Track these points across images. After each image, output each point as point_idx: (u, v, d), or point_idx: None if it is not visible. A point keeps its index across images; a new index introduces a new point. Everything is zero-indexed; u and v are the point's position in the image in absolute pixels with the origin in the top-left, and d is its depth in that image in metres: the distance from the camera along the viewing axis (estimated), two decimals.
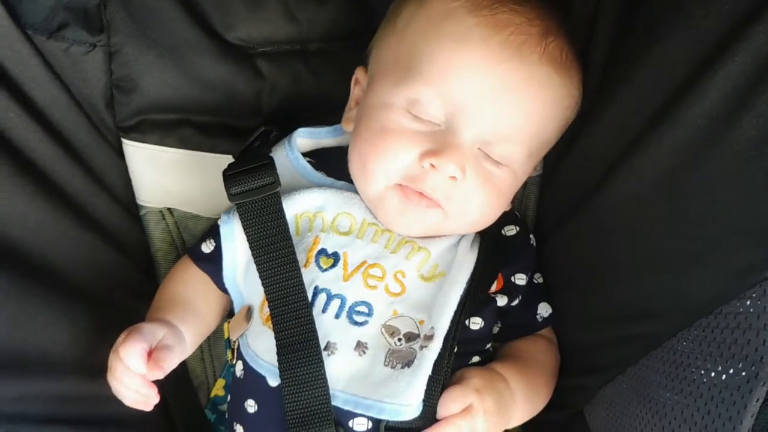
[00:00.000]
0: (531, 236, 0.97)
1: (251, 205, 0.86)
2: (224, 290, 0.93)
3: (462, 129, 0.81)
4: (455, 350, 0.82)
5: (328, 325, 0.83)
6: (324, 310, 0.83)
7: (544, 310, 0.95)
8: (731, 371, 0.64)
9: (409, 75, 0.82)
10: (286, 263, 0.84)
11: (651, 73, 0.73)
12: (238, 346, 0.91)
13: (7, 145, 0.81)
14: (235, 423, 0.90)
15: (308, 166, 0.92)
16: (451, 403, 0.79)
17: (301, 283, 0.83)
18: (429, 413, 0.80)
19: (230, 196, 0.87)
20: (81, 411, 0.87)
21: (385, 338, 0.83)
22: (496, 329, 0.94)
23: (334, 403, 0.80)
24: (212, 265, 0.93)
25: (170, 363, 0.80)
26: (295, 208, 0.88)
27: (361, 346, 0.82)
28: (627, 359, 0.80)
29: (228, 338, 0.92)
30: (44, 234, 0.84)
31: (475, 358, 0.89)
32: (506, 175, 0.84)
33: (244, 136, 0.97)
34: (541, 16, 0.83)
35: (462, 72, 0.80)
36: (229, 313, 0.98)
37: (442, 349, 0.80)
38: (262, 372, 0.85)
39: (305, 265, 0.86)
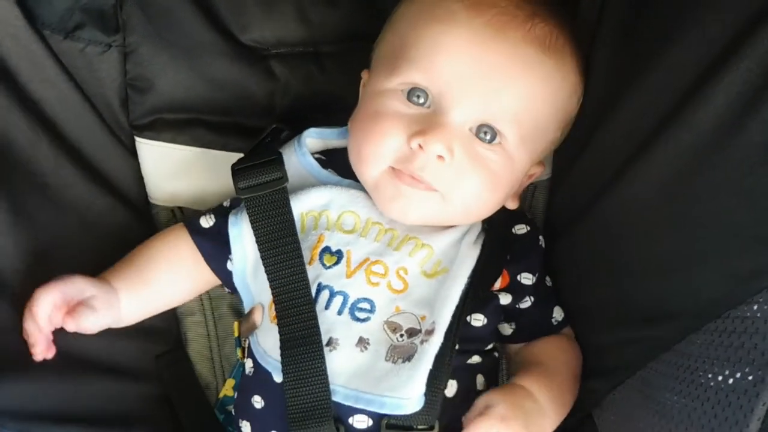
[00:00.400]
0: (540, 237, 0.97)
1: (259, 200, 0.87)
2: (215, 270, 0.93)
3: (449, 109, 0.81)
4: (456, 347, 0.82)
5: (330, 322, 0.83)
6: (327, 307, 0.84)
7: (558, 314, 0.95)
8: (738, 375, 0.64)
9: (399, 62, 0.84)
10: (291, 258, 0.85)
11: (658, 77, 0.73)
12: (249, 344, 0.91)
13: (19, 144, 0.82)
14: (241, 420, 0.91)
15: (316, 163, 0.93)
16: None
17: (305, 279, 0.84)
18: (430, 408, 0.80)
19: (238, 191, 0.87)
20: (88, 410, 0.88)
21: (387, 334, 0.83)
22: (509, 331, 0.94)
23: (334, 398, 0.81)
24: (207, 241, 0.93)
25: (85, 324, 0.82)
26: (301, 206, 0.89)
27: (363, 342, 0.83)
28: (636, 362, 0.80)
29: (238, 337, 0.93)
30: (56, 232, 0.85)
31: (476, 358, 0.89)
32: (500, 158, 0.84)
33: (256, 136, 0.97)
34: (531, 2, 0.84)
35: (446, 53, 0.81)
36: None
37: (443, 344, 0.81)
38: (269, 368, 0.85)
39: (309, 263, 0.86)
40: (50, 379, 0.83)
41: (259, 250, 0.86)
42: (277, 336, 0.84)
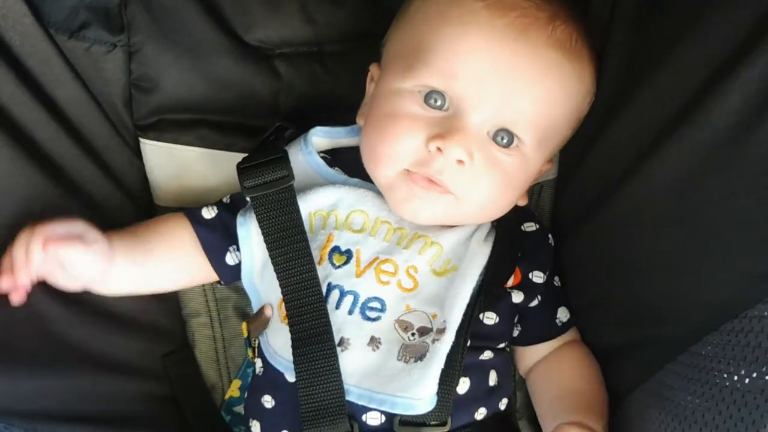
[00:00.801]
0: (549, 235, 0.97)
1: (266, 199, 0.86)
2: (212, 261, 0.91)
3: (468, 113, 0.80)
4: (468, 344, 0.82)
5: (341, 321, 0.83)
6: (337, 307, 0.84)
7: (563, 314, 0.94)
8: (755, 375, 0.63)
9: (416, 61, 0.82)
10: (300, 256, 0.84)
11: (670, 75, 0.72)
12: (259, 344, 0.91)
13: (30, 144, 0.82)
14: (251, 420, 0.90)
15: (322, 162, 0.92)
16: None
17: (315, 277, 0.83)
18: (442, 406, 0.80)
19: (244, 189, 0.86)
20: (95, 409, 0.88)
21: (398, 333, 0.83)
22: (515, 332, 0.93)
23: (348, 398, 0.81)
24: (208, 232, 0.91)
25: (73, 254, 0.79)
26: (309, 206, 0.88)
27: (374, 342, 0.82)
28: (653, 364, 0.79)
29: (247, 337, 0.92)
30: None
31: (488, 354, 0.88)
32: (516, 160, 0.83)
33: (260, 136, 0.97)
34: (551, 3, 0.83)
35: (467, 55, 0.79)
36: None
37: (454, 342, 0.80)
38: (281, 369, 0.85)
39: (319, 263, 0.86)
40: (58, 377, 0.82)
41: (268, 249, 0.85)
42: (288, 336, 0.83)
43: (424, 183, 0.82)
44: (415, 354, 0.81)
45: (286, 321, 0.84)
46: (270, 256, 0.85)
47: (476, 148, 0.80)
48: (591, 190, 0.88)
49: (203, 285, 1.04)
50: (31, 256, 0.76)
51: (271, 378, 0.87)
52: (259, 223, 0.86)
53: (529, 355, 0.95)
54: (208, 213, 0.92)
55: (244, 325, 0.93)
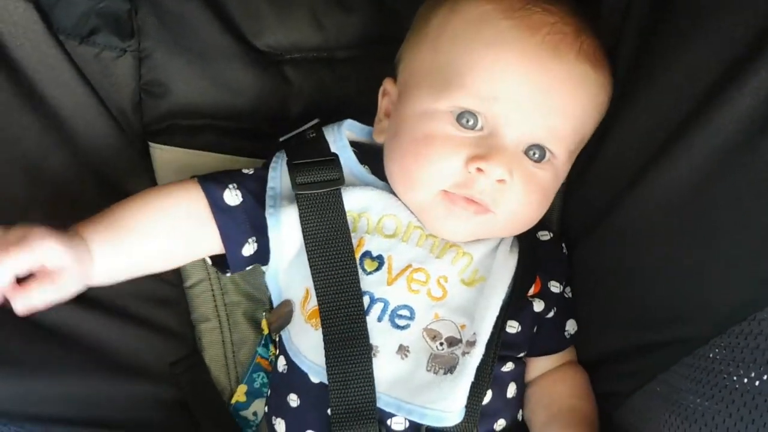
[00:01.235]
0: (563, 244, 0.98)
1: (314, 198, 0.85)
2: (229, 251, 0.86)
3: (506, 132, 0.80)
4: (497, 357, 0.83)
5: (370, 328, 0.83)
6: (367, 313, 0.84)
7: (571, 327, 0.95)
8: (765, 377, 0.64)
9: (448, 82, 0.81)
10: (343, 260, 0.84)
11: (680, 79, 0.73)
12: (280, 339, 0.91)
13: (37, 149, 0.82)
14: (275, 417, 0.90)
15: (355, 159, 0.91)
16: None
17: (356, 281, 0.83)
18: (470, 419, 0.81)
19: (295, 186, 0.85)
20: (104, 413, 0.88)
21: (426, 342, 0.83)
22: None
23: (377, 405, 0.81)
24: (230, 220, 0.85)
25: (37, 301, 0.68)
26: None
27: (403, 350, 0.83)
28: (657, 366, 0.80)
29: (268, 333, 0.92)
30: None
31: (509, 365, 0.89)
32: (549, 174, 0.84)
33: (270, 141, 0.97)
34: (572, 15, 0.83)
35: (502, 75, 0.79)
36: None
37: (484, 355, 0.81)
38: (305, 369, 0.85)
39: None
40: (72, 382, 0.83)
41: (307, 249, 0.84)
42: (314, 337, 0.83)
43: (463, 203, 0.82)
44: (444, 365, 0.82)
45: (312, 321, 0.85)
46: (309, 256, 0.84)
47: (515, 167, 0.81)
48: (600, 195, 0.89)
49: (212, 290, 1.03)
50: None
51: (296, 377, 0.87)
52: (302, 221, 0.85)
53: (530, 369, 0.96)
54: (232, 198, 0.86)
55: (264, 322, 0.93)
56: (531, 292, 0.91)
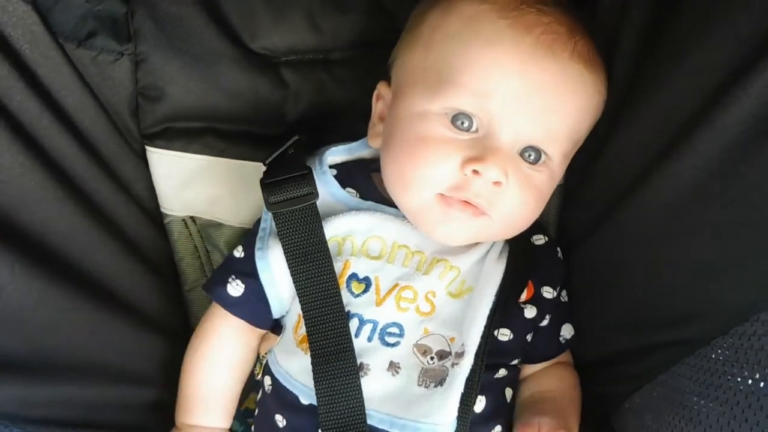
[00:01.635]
0: (558, 249, 0.97)
1: (289, 215, 0.85)
2: (266, 327, 0.93)
3: (501, 133, 0.79)
4: (484, 364, 0.82)
5: (360, 348, 0.83)
6: (356, 335, 0.83)
7: (567, 332, 0.95)
8: None
9: (442, 83, 0.80)
10: (323, 273, 0.84)
11: (684, 79, 0.72)
12: (266, 361, 0.91)
13: (40, 152, 0.81)
14: None
15: (337, 184, 0.91)
16: None
17: (338, 293, 0.83)
18: (461, 428, 0.80)
19: (269, 205, 0.85)
20: (109, 418, 0.88)
21: (417, 357, 0.83)
22: None
23: (369, 422, 0.80)
24: (246, 308, 0.90)
25: None
26: (325, 232, 0.87)
27: (393, 366, 0.83)
28: (657, 367, 0.80)
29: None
30: (76, 241, 0.84)
31: (502, 371, 0.89)
32: (544, 176, 0.83)
33: (267, 144, 0.97)
34: (566, 15, 0.83)
35: (496, 73, 0.78)
36: None
37: (473, 365, 0.80)
38: (295, 391, 0.85)
39: None
40: (72, 385, 0.82)
41: (289, 266, 0.85)
42: (304, 361, 0.83)
43: (459, 206, 0.81)
44: (435, 379, 0.81)
45: (303, 345, 0.84)
46: (291, 273, 0.85)
47: (510, 169, 0.80)
48: (601, 197, 0.89)
49: None
50: None
51: (282, 398, 0.87)
52: (281, 239, 0.85)
53: (523, 369, 0.96)
54: (235, 289, 0.91)
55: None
56: (523, 298, 0.90)
